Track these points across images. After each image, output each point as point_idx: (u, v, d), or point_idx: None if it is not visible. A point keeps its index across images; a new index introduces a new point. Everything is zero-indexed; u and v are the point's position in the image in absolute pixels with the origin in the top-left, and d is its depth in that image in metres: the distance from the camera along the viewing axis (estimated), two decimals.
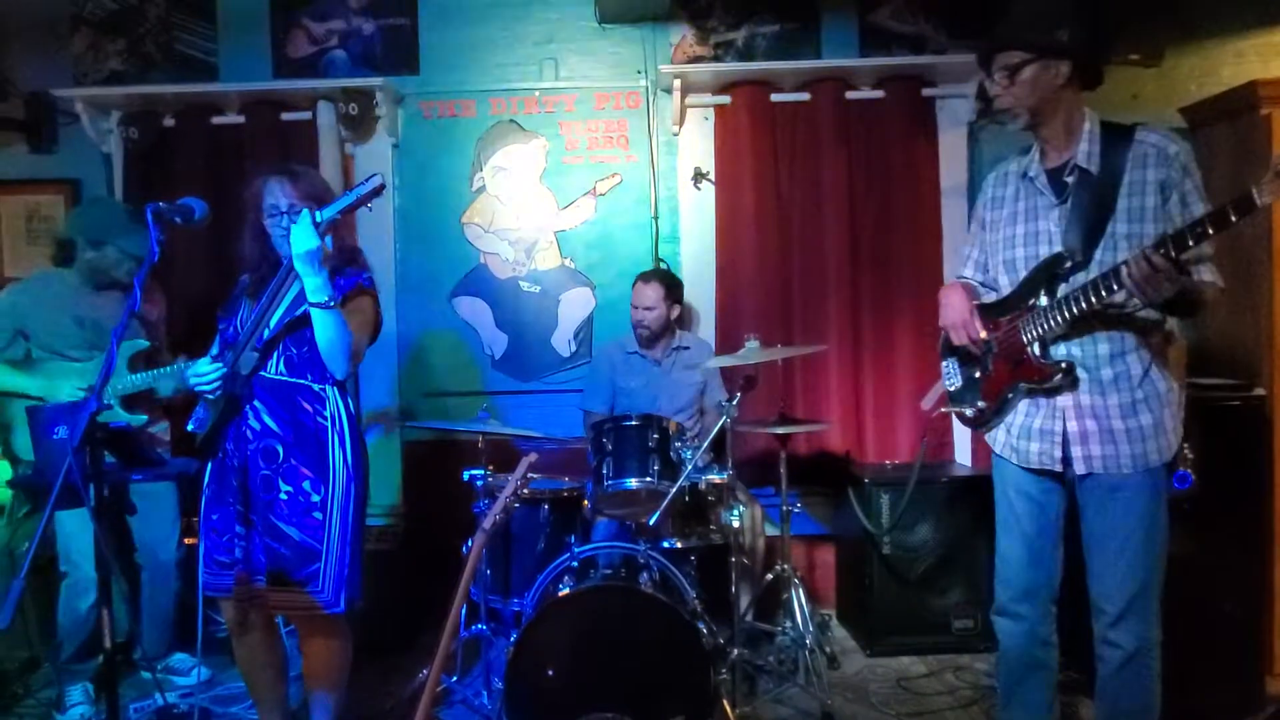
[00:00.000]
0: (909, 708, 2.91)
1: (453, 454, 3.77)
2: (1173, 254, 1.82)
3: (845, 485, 3.60)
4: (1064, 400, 2.12)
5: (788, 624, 3.06)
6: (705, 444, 2.65)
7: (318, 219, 2.15)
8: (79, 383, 2.83)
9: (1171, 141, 2.06)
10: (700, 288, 3.88)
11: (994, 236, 2.31)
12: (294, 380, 2.33)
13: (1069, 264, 2.09)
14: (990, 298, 2.33)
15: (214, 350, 2.41)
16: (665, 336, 3.47)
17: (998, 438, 2.32)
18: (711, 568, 2.95)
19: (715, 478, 2.67)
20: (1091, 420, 2.10)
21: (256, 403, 2.32)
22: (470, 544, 3.03)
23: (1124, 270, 1.90)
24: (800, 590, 3.04)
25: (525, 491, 2.84)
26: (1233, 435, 3.05)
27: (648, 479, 2.65)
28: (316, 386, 2.34)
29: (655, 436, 2.69)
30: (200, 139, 3.77)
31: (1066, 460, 2.14)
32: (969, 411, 2.37)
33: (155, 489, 3.05)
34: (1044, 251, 2.15)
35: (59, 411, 1.91)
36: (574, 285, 3.92)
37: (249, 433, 2.32)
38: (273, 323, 2.31)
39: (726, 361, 2.94)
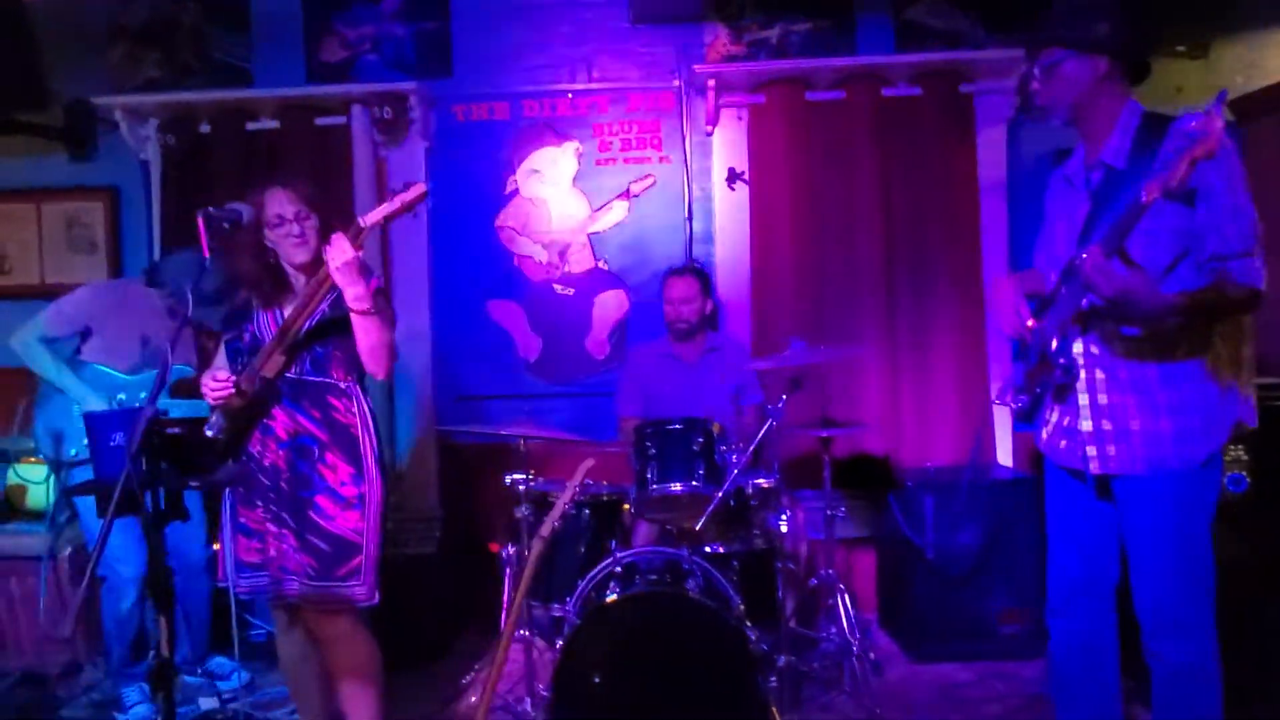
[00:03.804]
0: (957, 716, 2.86)
1: (490, 457, 3.75)
2: (1105, 252, 1.78)
3: (886, 489, 3.55)
4: (1084, 399, 2.09)
5: (832, 630, 3.02)
6: (752, 447, 2.61)
7: (363, 225, 2.15)
8: (118, 395, 2.85)
9: (1195, 120, 2.00)
10: (735, 288, 3.85)
11: (1047, 232, 2.30)
12: (321, 379, 2.35)
13: (1079, 261, 2.05)
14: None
15: (219, 360, 2.44)
16: (699, 334, 3.44)
17: (1041, 435, 2.29)
18: (753, 573, 2.91)
19: (763, 481, 2.64)
20: (1107, 420, 2.06)
21: (287, 403, 2.33)
22: (508, 549, 3.04)
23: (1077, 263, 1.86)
24: (846, 595, 2.99)
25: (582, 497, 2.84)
26: None
27: (694, 483, 2.62)
28: (343, 384, 2.36)
29: (700, 440, 2.66)
30: (236, 144, 3.79)
31: (1086, 459, 2.11)
32: (1016, 405, 2.35)
33: None
34: (1074, 248, 2.12)
35: (117, 418, 1.91)
36: (608, 287, 3.90)
37: (281, 433, 2.32)
38: (304, 327, 2.32)
39: (771, 364, 2.90)
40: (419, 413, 3.88)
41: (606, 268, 3.90)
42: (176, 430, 1.61)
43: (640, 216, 3.88)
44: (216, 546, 3.06)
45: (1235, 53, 3.75)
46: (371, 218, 2.17)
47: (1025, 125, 3.83)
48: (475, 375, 3.93)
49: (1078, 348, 2.10)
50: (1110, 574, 2.24)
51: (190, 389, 2.91)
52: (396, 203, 2.15)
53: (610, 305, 3.90)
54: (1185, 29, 3.62)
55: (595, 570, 2.68)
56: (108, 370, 2.96)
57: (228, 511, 2.37)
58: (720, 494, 2.52)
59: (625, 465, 3.62)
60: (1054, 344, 2.10)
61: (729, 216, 3.87)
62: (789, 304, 3.77)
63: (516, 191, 3.90)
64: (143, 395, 2.94)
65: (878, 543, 3.75)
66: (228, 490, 2.36)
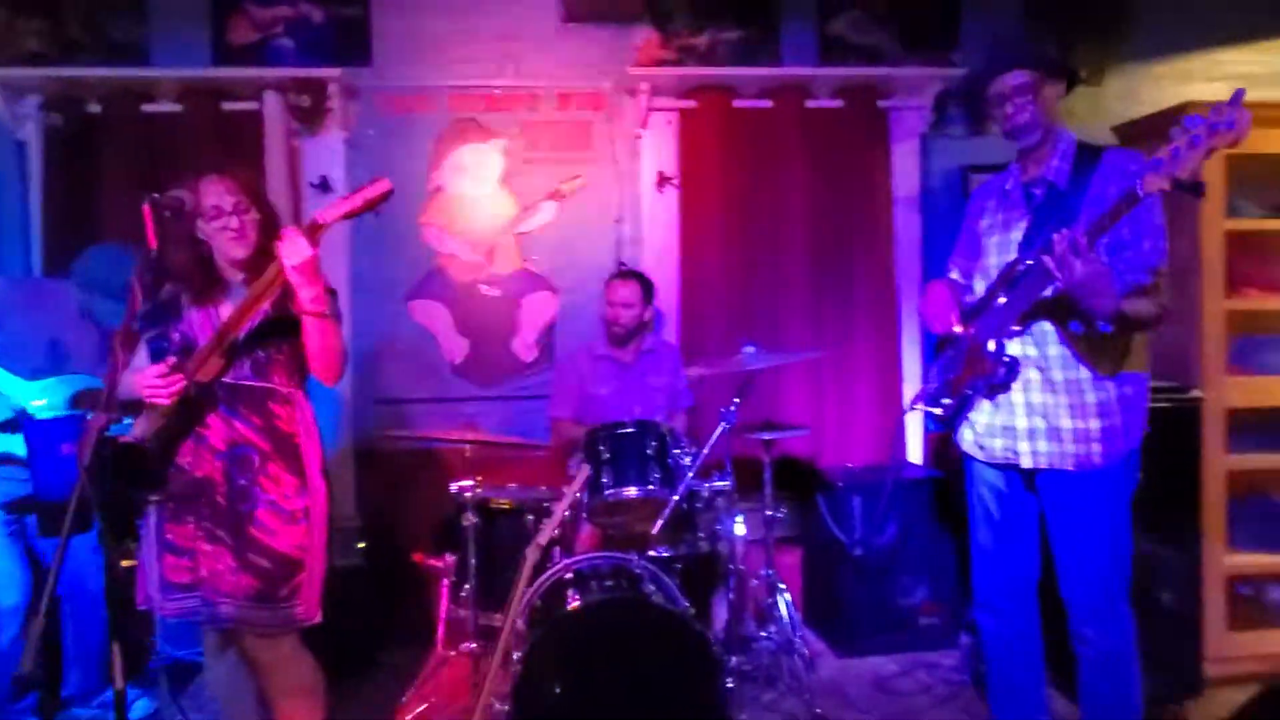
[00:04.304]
0: (891, 709, 2.97)
1: (412, 464, 3.62)
2: (1087, 238, 1.93)
3: (811, 490, 3.65)
4: (1019, 398, 2.24)
5: (771, 629, 3.06)
6: (706, 450, 2.62)
7: (321, 222, 2.02)
8: (15, 398, 2.58)
9: (1132, 160, 2.20)
10: (663, 292, 3.84)
11: (977, 245, 2.43)
12: (262, 384, 2.19)
13: (1022, 266, 2.20)
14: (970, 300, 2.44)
15: (139, 361, 2.24)
16: (636, 338, 3.43)
17: (965, 437, 2.42)
18: (695, 576, 2.92)
19: (722, 484, 2.66)
20: (1040, 418, 2.22)
21: (224, 409, 2.15)
22: (447, 559, 2.93)
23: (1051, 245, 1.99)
24: (786, 595, 3.05)
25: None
26: (1169, 435, 3.24)
27: (650, 486, 2.61)
28: (285, 390, 2.22)
29: (654, 443, 2.65)
30: (131, 128, 3.49)
31: (1018, 454, 2.26)
32: (939, 410, 2.47)
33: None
34: (1010, 258, 2.26)
35: (63, 426, 1.71)
36: (536, 289, 3.83)
37: (217, 442, 2.15)
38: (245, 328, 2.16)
39: (713, 369, 2.93)
40: (336, 417, 3.69)
41: (535, 269, 3.83)
42: (131, 439, 1.45)
43: (569, 217, 3.83)
44: (127, 564, 2.81)
45: (1115, 83, 4.08)
46: (330, 214, 2.04)
47: (935, 141, 4.03)
48: (396, 378, 3.77)
49: (1015, 349, 2.23)
50: (1033, 568, 2.39)
51: (94, 400, 2.65)
52: (358, 199, 2.02)
53: (538, 307, 3.83)
54: (1086, 57, 3.90)
55: (543, 577, 2.63)
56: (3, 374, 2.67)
57: (152, 528, 2.17)
58: (676, 497, 2.52)
59: (557, 469, 3.58)
60: (992, 345, 2.23)
61: (658, 220, 3.88)
62: (716, 308, 3.82)
63: (441, 188, 3.77)
64: (37, 403, 2.65)
65: (802, 542, 3.84)
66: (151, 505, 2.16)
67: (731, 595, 2.71)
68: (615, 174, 3.85)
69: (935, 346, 2.61)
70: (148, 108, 3.51)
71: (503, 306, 3.81)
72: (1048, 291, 2.08)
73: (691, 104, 3.81)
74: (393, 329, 3.75)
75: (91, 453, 1.41)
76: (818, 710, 2.76)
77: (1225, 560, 3.23)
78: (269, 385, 2.19)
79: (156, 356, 2.20)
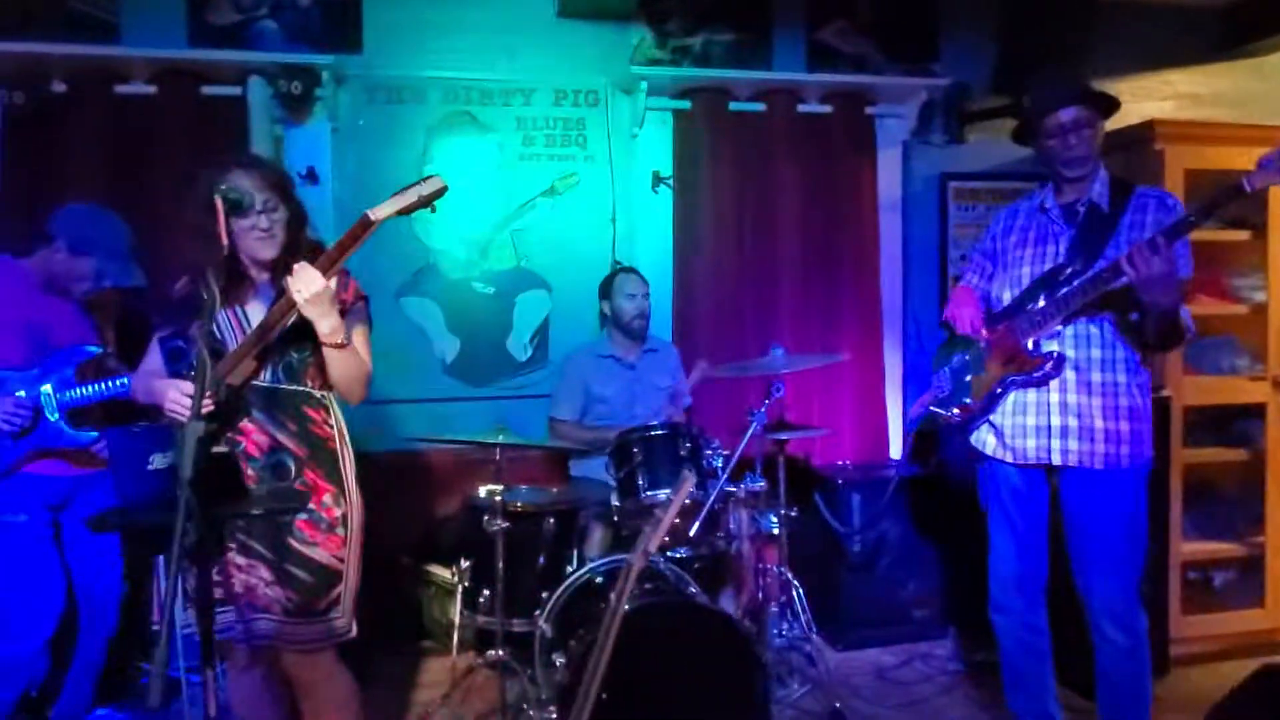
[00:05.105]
0: (899, 698, 3.05)
1: (397, 466, 3.51)
2: (1167, 238, 2.06)
3: (805, 487, 3.71)
4: (1054, 398, 2.34)
5: (784, 626, 3.10)
6: (739, 451, 2.64)
7: (373, 219, 1.92)
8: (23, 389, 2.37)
9: (1169, 195, 2.35)
10: (657, 291, 3.83)
11: (1002, 259, 2.53)
12: (295, 388, 2.09)
13: (1069, 271, 2.31)
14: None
15: (153, 362, 2.11)
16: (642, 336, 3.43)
17: (987, 442, 2.51)
18: (708, 575, 2.94)
19: (756, 485, 2.68)
20: (1074, 417, 2.32)
21: (258, 414, 2.05)
22: (461, 564, 2.85)
23: (1128, 252, 2.11)
24: (800, 592, 3.10)
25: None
26: None
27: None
28: (319, 393, 2.12)
29: (688, 445, 2.65)
30: (100, 109, 3.27)
31: (1049, 451, 2.36)
32: (956, 412, 2.55)
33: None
34: (1049, 266, 2.37)
35: (152, 435, 1.58)
36: (531, 287, 3.76)
37: (252, 449, 2.04)
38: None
39: (740, 371, 2.95)
40: None
41: (528, 266, 3.76)
42: (224, 449, 1.37)
43: (564, 215, 3.78)
44: None
45: None
46: (382, 211, 1.93)
47: (917, 148, 4.14)
48: (385, 377, 3.61)
49: (1053, 347, 2.33)
50: (1044, 566, 2.50)
51: (99, 369, 2.47)
52: (411, 196, 1.91)
53: (533, 305, 3.76)
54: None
55: (570, 580, 2.60)
56: None
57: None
58: (712, 497, 2.53)
59: (552, 470, 3.54)
60: (1030, 343, 2.33)
61: (652, 219, 3.87)
62: (709, 307, 3.83)
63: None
64: (22, 392, 2.45)
65: (793, 539, 3.90)
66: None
67: (760, 594, 2.73)
68: (610, 172, 3.81)
69: (938, 353, 2.69)
70: (120, 89, 3.29)
71: (496, 304, 3.73)
72: (1118, 284, 2.16)
73: (686, 104, 3.81)
74: (382, 327, 3.57)
75: (193, 466, 1.31)
76: (836, 704, 2.81)
77: (1182, 548, 3.45)
78: (303, 388, 2.10)
79: (171, 357, 2.08)
